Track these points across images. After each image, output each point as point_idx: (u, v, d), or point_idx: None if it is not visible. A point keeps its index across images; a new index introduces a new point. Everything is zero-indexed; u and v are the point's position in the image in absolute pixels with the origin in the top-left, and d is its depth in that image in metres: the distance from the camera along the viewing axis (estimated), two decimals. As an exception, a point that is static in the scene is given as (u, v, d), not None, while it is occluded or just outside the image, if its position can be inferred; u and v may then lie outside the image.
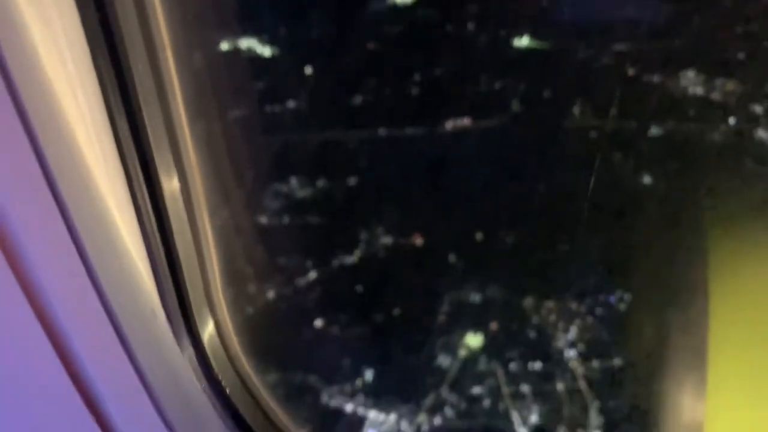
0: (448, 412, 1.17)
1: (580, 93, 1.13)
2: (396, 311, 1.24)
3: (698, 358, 0.84)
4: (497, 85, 1.23)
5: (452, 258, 1.23)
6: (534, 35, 1.16)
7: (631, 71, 1.10)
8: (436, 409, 1.17)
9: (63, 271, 0.41)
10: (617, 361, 1.04)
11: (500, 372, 1.18)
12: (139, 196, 0.46)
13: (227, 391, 0.54)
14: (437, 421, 1.17)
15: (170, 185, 0.49)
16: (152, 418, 0.46)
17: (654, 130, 1.08)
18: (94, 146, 0.43)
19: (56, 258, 0.40)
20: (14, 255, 0.38)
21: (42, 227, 0.39)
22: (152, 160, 0.47)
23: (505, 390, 1.16)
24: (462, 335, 1.17)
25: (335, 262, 1.23)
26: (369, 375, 1.18)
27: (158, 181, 0.47)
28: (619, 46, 1.08)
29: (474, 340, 1.16)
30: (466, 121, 1.26)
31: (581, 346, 1.15)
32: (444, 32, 1.23)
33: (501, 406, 1.19)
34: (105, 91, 0.42)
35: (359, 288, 1.26)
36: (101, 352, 0.43)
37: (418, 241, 1.24)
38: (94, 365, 0.42)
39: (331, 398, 1.18)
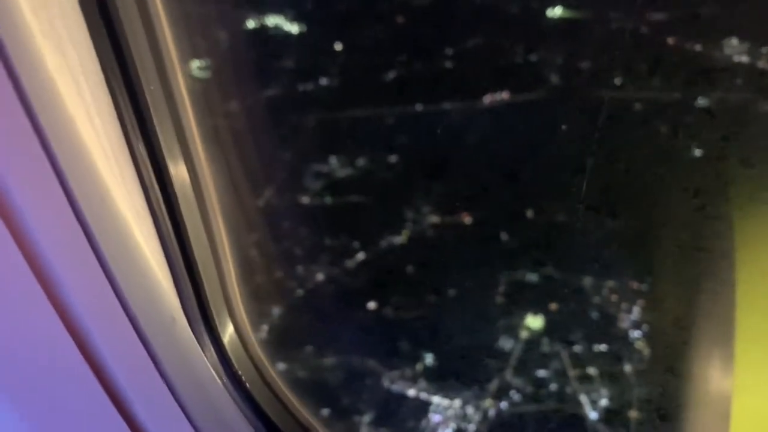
0: (515, 396, 1.18)
1: (620, 64, 1.13)
2: (451, 292, 1.24)
3: (726, 330, 0.87)
4: (533, 57, 1.23)
5: (504, 236, 1.23)
6: (567, 4, 1.16)
7: (671, 40, 1.10)
8: (501, 393, 1.18)
9: (89, 285, 0.47)
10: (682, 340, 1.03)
11: (565, 354, 1.17)
12: (156, 208, 0.51)
13: (248, 387, 0.60)
14: (504, 405, 1.18)
15: (185, 195, 0.54)
16: (178, 417, 0.52)
17: (701, 101, 1.08)
18: (111, 164, 0.49)
19: (82, 274, 0.46)
20: (43, 273, 0.44)
21: (66, 245, 0.45)
22: (167, 173, 0.52)
23: (572, 373, 1.17)
24: (522, 317, 1.17)
25: (383, 243, 1.25)
26: (429, 359, 1.20)
27: (174, 193, 0.52)
28: (657, 15, 1.08)
29: (534, 321, 1.17)
30: (504, 95, 1.26)
31: (645, 327, 1.15)
32: (473, 4, 1.23)
33: (568, 390, 1.20)
34: (120, 112, 0.48)
35: (410, 269, 1.28)
36: (127, 358, 0.49)
37: (467, 219, 1.25)
38: (122, 371, 0.49)
39: (392, 383, 1.21)
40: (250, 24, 1.20)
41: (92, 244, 0.47)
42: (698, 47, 1.09)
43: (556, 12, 1.16)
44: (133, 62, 0.48)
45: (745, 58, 1.03)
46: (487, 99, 1.22)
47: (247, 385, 0.62)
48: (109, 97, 0.48)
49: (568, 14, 1.15)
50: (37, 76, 0.42)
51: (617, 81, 1.15)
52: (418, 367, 1.21)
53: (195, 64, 0.90)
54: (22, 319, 0.45)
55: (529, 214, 1.21)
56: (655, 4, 1.06)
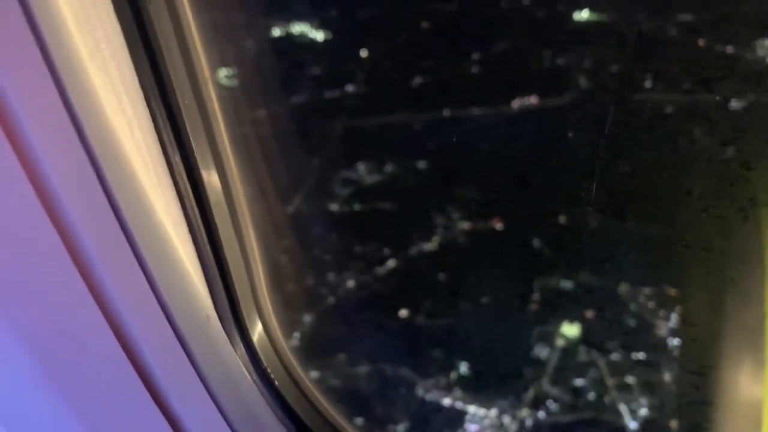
0: (552, 405, 1.17)
1: (649, 67, 1.14)
2: (484, 299, 1.23)
3: (756, 336, 0.87)
4: (561, 61, 1.24)
5: (536, 243, 1.23)
6: (593, 8, 1.17)
7: (701, 42, 1.10)
8: (538, 402, 1.17)
9: (130, 286, 0.52)
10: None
11: (602, 362, 1.16)
12: (191, 215, 0.56)
13: (276, 383, 0.64)
14: (541, 415, 1.18)
15: (218, 203, 0.58)
16: (211, 411, 0.56)
17: (734, 103, 1.08)
18: (150, 174, 0.53)
19: (125, 275, 0.51)
20: (89, 276, 0.49)
21: (110, 249, 0.50)
22: (201, 182, 0.56)
23: (610, 381, 1.16)
24: (557, 324, 1.17)
25: (413, 250, 1.25)
26: (464, 368, 1.20)
27: (207, 201, 0.57)
28: (685, 17, 1.09)
29: (570, 329, 1.16)
30: (533, 100, 1.27)
31: (679, 335, 1.13)
32: (499, 9, 1.25)
33: (607, 399, 1.18)
34: (157, 126, 0.52)
35: (442, 276, 1.28)
36: (165, 355, 0.53)
37: (498, 225, 1.25)
38: (159, 366, 0.53)
39: (427, 392, 1.22)
40: (276, 32, 1.23)
41: (134, 249, 0.52)
42: (730, 49, 1.09)
43: (582, 15, 1.17)
44: (170, 79, 0.52)
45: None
46: (516, 104, 1.23)
47: (276, 382, 0.66)
48: (148, 111, 0.52)
49: (595, 17, 1.17)
50: (85, 93, 0.47)
51: (647, 84, 1.15)
52: (453, 375, 1.20)
53: (223, 73, 0.95)
54: (69, 318, 0.50)
55: (562, 219, 1.20)
56: (682, 5, 1.07)
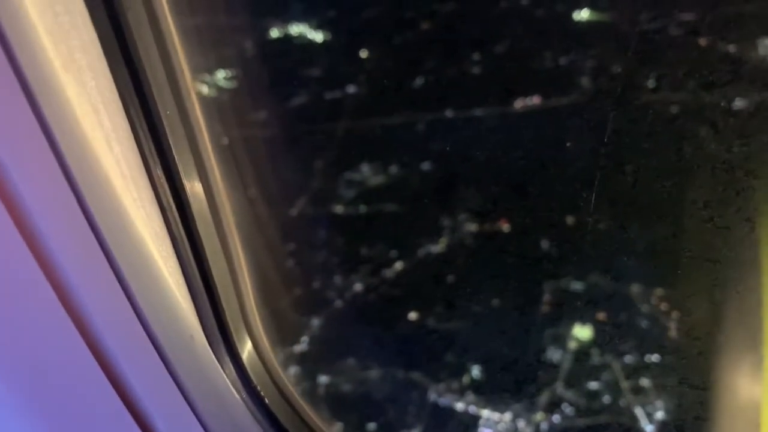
0: (567, 409, 1.16)
1: (652, 66, 1.13)
2: (495, 302, 1.23)
3: (754, 338, 0.87)
4: (563, 61, 1.23)
5: (545, 244, 1.22)
6: (594, 7, 1.16)
7: (702, 41, 1.09)
8: (553, 406, 1.17)
9: (109, 305, 0.50)
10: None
11: (616, 365, 1.16)
12: (174, 229, 0.54)
13: (267, 401, 0.63)
14: (556, 419, 1.18)
15: (202, 216, 0.57)
16: (197, 432, 0.54)
17: (738, 103, 1.07)
18: (130, 188, 0.52)
19: (103, 294, 0.49)
20: (65, 295, 0.47)
21: (87, 267, 0.48)
22: (184, 194, 0.54)
23: (625, 384, 1.15)
24: (569, 327, 1.16)
25: (421, 252, 1.24)
26: (476, 371, 1.19)
27: (191, 213, 0.55)
28: (686, 16, 1.07)
29: (582, 332, 1.16)
30: (536, 100, 1.26)
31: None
32: (498, 9, 1.24)
33: (622, 402, 1.18)
34: (138, 137, 0.50)
35: (451, 278, 1.27)
36: (148, 377, 0.52)
37: (505, 227, 1.24)
38: (142, 388, 0.51)
39: (439, 396, 1.21)
40: (270, 35, 1.21)
41: (112, 266, 0.50)
42: (732, 48, 1.08)
43: (582, 15, 1.16)
44: (150, 88, 0.51)
45: (782, 58, 1.02)
46: (519, 104, 1.22)
47: (266, 400, 0.64)
48: (128, 123, 0.50)
49: (596, 17, 1.15)
50: (59, 106, 0.45)
51: (651, 84, 1.14)
52: (465, 379, 1.20)
53: (221, 75, 0.93)
54: (43, 339, 0.49)
55: (569, 221, 1.19)
56: (683, 5, 1.05)
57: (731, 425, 0.98)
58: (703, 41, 1.08)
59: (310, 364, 1.24)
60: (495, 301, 1.20)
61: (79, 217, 0.47)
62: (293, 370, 1.18)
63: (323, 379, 1.25)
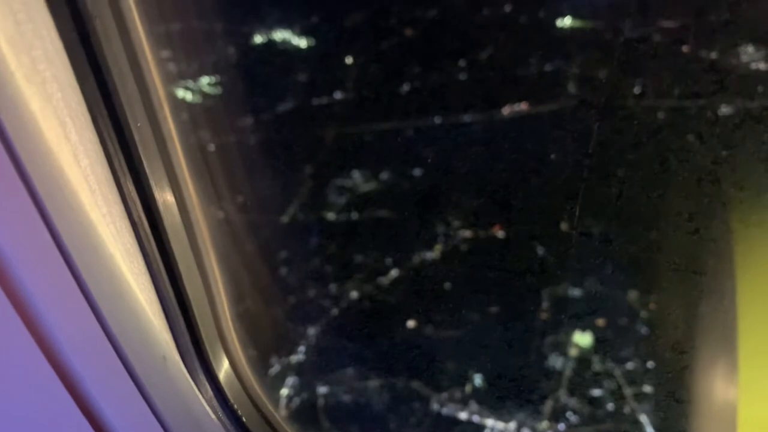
0: (572, 417, 1.16)
1: (636, 73, 1.14)
2: (493, 309, 1.22)
3: (728, 342, 0.87)
4: (548, 68, 1.23)
5: (540, 251, 1.22)
6: (575, 15, 1.16)
7: (685, 48, 1.10)
8: (557, 414, 1.17)
9: (77, 326, 0.48)
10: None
11: (618, 372, 1.17)
12: (146, 244, 0.52)
13: (244, 420, 0.61)
14: (561, 427, 1.17)
15: (175, 230, 0.55)
16: (170, 456, 0.53)
17: (724, 109, 1.08)
18: (99, 203, 0.50)
19: (70, 314, 0.47)
20: (30, 315, 0.45)
21: (52, 286, 0.46)
22: (156, 208, 0.53)
23: (628, 391, 1.16)
24: (569, 334, 1.16)
25: (416, 259, 1.24)
26: (478, 380, 1.19)
27: (163, 228, 0.53)
28: (667, 23, 1.08)
29: (583, 338, 1.16)
30: (523, 106, 1.26)
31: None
32: (481, 15, 1.24)
33: (626, 409, 1.18)
34: (107, 151, 0.49)
35: (447, 285, 1.27)
36: (118, 398, 0.50)
37: (500, 233, 1.24)
38: (113, 411, 0.50)
39: (442, 406, 1.21)
40: (254, 40, 1.20)
41: (80, 284, 0.48)
42: (714, 55, 1.08)
43: (565, 22, 1.16)
44: (120, 99, 0.49)
45: (763, 65, 1.03)
46: (506, 110, 1.22)
47: (244, 419, 0.62)
48: (96, 136, 0.49)
49: (579, 24, 1.16)
50: (21, 120, 0.43)
51: (637, 90, 1.14)
52: (467, 388, 1.19)
53: (194, 84, 0.91)
54: (7, 360, 0.47)
55: (564, 227, 1.19)
56: (664, 12, 1.06)
57: (707, 424, 0.99)
58: (687, 49, 1.09)
59: (300, 378, 1.23)
60: (494, 308, 1.19)
61: (45, 235, 0.46)
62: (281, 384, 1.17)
63: (321, 390, 1.25)
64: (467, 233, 1.21)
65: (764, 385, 0.84)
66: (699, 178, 1.01)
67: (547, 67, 1.19)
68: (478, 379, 1.21)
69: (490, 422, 1.23)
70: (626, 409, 1.19)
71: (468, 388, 1.22)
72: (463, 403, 1.23)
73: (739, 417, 0.89)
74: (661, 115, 1.09)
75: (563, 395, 1.19)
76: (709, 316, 0.98)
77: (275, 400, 1.14)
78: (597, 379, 1.22)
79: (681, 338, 1.05)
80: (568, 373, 1.21)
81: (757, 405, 0.84)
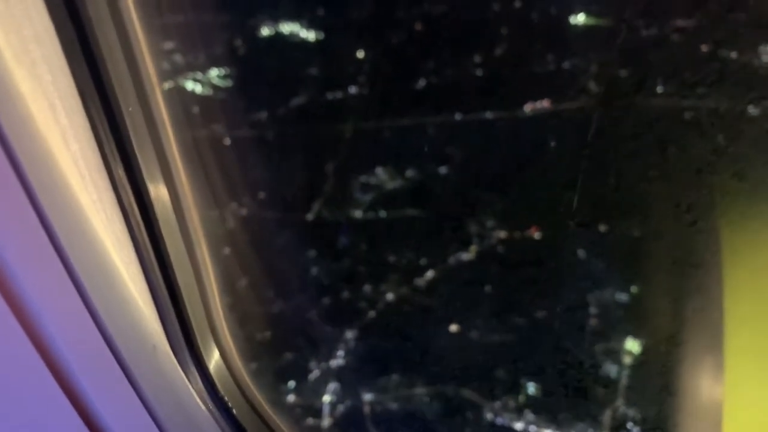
0: (634, 429, 1.14)
1: (656, 71, 1.13)
2: (540, 314, 1.20)
3: (715, 339, 0.88)
4: (566, 65, 1.22)
5: (581, 253, 1.20)
6: (589, 12, 1.16)
7: (704, 48, 1.09)
8: (618, 424, 1.14)
9: (66, 314, 0.48)
10: None
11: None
12: (136, 232, 0.52)
13: (234, 412, 0.61)
14: None
15: (167, 219, 0.55)
16: (160, 447, 0.53)
17: (752, 110, 1.07)
18: (89, 189, 0.50)
19: (59, 302, 0.48)
20: (18, 303, 0.45)
21: (41, 273, 0.46)
22: (147, 195, 0.53)
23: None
24: (620, 340, 1.14)
25: (452, 260, 1.22)
26: (531, 388, 1.17)
27: (155, 216, 0.54)
28: (681, 22, 1.08)
29: (634, 345, 1.14)
30: (545, 104, 1.25)
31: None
32: (492, 11, 1.23)
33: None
34: (98, 135, 0.49)
35: (488, 288, 1.25)
36: (107, 387, 0.50)
37: (536, 234, 1.23)
38: (102, 401, 0.50)
39: (496, 415, 1.19)
40: (265, 31, 1.19)
41: (69, 272, 0.48)
42: (734, 55, 1.07)
43: (579, 19, 1.16)
44: (111, 83, 0.49)
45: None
46: (528, 108, 1.21)
47: (234, 411, 0.63)
48: (87, 120, 0.49)
49: (592, 21, 1.15)
50: (10, 102, 0.43)
51: (659, 90, 1.13)
52: (521, 398, 1.18)
53: (189, 74, 0.91)
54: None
55: (602, 228, 1.17)
56: (677, 11, 1.05)
57: (694, 427, 1.00)
58: (688, 42, 1.08)
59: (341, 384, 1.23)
60: (540, 313, 1.17)
61: (33, 221, 0.46)
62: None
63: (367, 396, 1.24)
64: (502, 234, 1.19)
65: (749, 383, 0.85)
66: (699, 169, 1.01)
67: (565, 65, 1.17)
68: (531, 388, 1.19)
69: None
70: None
71: (522, 398, 1.19)
72: (518, 412, 1.20)
73: (725, 414, 0.89)
74: (660, 110, 1.08)
75: (621, 405, 1.16)
76: (703, 309, 0.98)
77: (317, 408, 1.13)
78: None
79: (681, 335, 1.05)
80: (623, 379, 1.18)
81: (742, 403, 0.85)
